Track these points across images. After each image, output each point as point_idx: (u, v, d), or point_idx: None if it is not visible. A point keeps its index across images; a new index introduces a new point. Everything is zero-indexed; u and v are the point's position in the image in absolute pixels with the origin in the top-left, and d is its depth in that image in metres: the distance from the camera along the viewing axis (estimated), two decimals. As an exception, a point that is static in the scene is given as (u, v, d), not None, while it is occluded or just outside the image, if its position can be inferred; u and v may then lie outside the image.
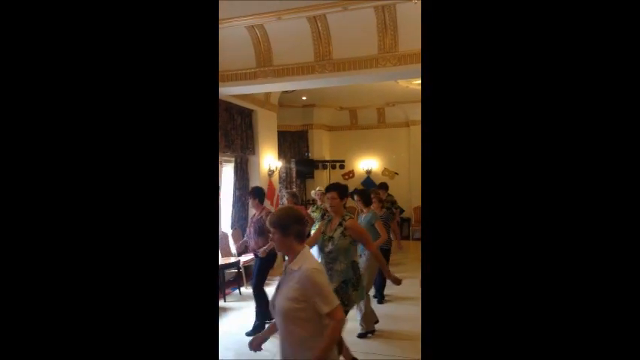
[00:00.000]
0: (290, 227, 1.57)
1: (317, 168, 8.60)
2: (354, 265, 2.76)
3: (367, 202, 3.91)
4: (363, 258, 3.52)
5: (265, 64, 4.56)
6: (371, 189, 5.42)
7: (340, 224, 2.71)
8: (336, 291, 2.45)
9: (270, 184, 6.31)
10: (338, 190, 2.80)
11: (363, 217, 3.88)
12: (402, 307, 4.39)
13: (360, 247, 3.34)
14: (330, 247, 2.68)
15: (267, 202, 6.07)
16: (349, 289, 2.65)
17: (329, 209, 2.83)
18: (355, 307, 3.27)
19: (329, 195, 2.78)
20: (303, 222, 1.64)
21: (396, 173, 8.86)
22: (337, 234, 2.69)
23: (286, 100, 7.47)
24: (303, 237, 1.64)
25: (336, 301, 1.52)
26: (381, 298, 4.51)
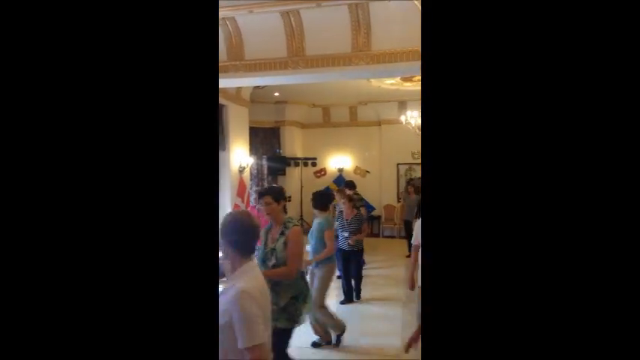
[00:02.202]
0: (231, 237, 1.36)
1: (289, 165, 8.55)
2: (303, 275, 2.50)
3: (321, 207, 3.44)
4: (320, 267, 3.30)
5: (236, 58, 4.46)
6: (339, 188, 5.44)
7: (282, 233, 2.34)
8: (285, 308, 2.25)
9: (241, 180, 6.21)
10: (272, 193, 2.41)
11: (316, 224, 3.43)
12: (381, 308, 4.46)
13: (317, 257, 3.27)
14: (273, 260, 2.30)
15: (238, 199, 5.99)
16: (299, 304, 2.33)
17: (265, 216, 2.44)
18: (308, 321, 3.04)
19: (263, 200, 2.39)
20: (246, 232, 1.39)
21: (367, 172, 8.96)
22: (279, 245, 2.31)
23: (258, 96, 7.37)
24: (246, 250, 1.40)
25: (257, 340, 1.24)
26: (358, 295, 4.57)
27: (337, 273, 4.27)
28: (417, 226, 2.97)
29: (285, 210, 2.48)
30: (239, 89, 6.24)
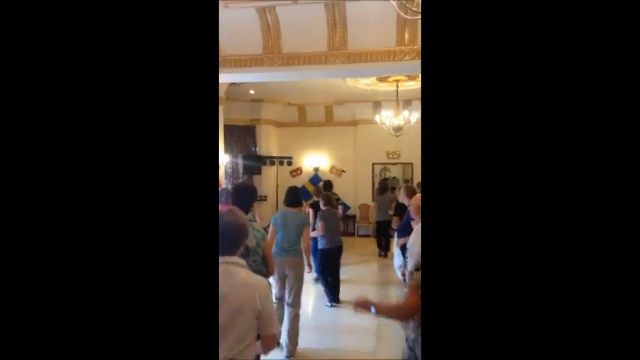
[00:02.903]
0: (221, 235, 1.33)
1: (265, 164, 8.48)
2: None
3: (293, 204, 3.34)
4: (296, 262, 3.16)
5: (211, 54, 4.38)
6: (315, 187, 5.43)
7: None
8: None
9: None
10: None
11: (296, 218, 3.30)
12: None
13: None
14: (253, 257, 2.28)
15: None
16: None
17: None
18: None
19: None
20: (235, 230, 1.43)
21: (343, 171, 9.02)
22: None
23: (234, 94, 7.26)
24: (234, 246, 1.44)
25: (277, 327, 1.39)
26: (337, 299, 4.30)
27: (314, 275, 4.23)
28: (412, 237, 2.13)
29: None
30: (214, 86, 6.12)
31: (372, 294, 4.70)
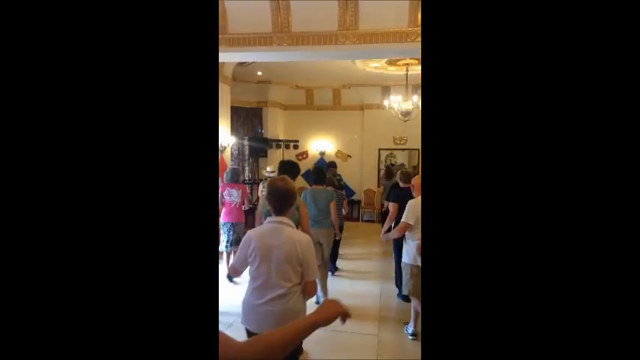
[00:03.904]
0: (271, 200, 1.86)
1: (271, 147, 8.44)
2: None
3: (320, 181, 3.94)
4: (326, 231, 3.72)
5: (219, 32, 4.30)
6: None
7: None
8: None
9: (222, 160, 6.08)
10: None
11: (325, 194, 3.92)
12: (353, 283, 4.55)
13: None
14: None
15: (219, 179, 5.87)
16: None
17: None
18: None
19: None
20: (283, 195, 1.81)
21: (349, 156, 8.96)
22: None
23: (241, 75, 7.19)
24: (284, 208, 1.84)
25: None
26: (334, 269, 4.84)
27: None
28: (409, 205, 3.02)
29: None
30: (221, 65, 6.05)
31: (368, 267, 5.04)
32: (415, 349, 3.01)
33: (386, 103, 6.59)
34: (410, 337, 3.15)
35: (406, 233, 3.01)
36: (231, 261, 3.86)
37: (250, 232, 1.86)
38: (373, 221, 8.44)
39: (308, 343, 2.68)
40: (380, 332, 3.27)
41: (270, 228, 1.80)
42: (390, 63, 6.33)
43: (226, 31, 4.32)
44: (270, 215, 1.84)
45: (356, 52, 4.39)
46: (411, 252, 3.03)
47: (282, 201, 1.80)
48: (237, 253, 1.88)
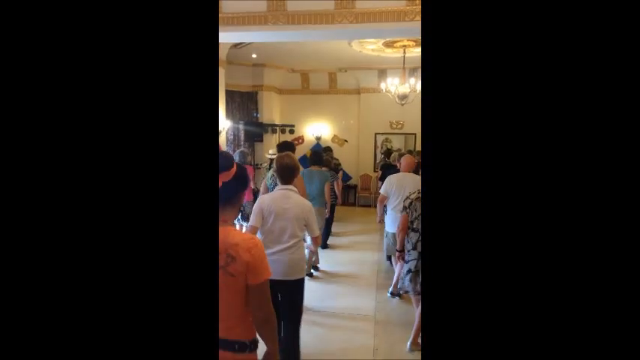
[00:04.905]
0: (278, 171, 2.41)
1: (266, 132, 8.36)
2: None
3: (319, 163, 4.31)
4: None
5: (213, 10, 4.19)
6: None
7: None
8: None
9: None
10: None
11: (321, 175, 4.28)
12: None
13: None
14: None
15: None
16: None
17: None
18: None
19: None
20: (288, 168, 2.36)
21: (345, 141, 8.92)
22: None
23: (235, 57, 7.05)
24: (288, 180, 2.38)
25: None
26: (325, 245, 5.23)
27: None
28: (387, 179, 3.71)
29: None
30: (215, 47, 5.93)
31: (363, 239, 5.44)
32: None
33: (382, 86, 6.52)
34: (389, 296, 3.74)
35: (387, 205, 3.64)
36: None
37: (264, 197, 2.31)
38: (369, 206, 8.45)
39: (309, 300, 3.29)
40: (375, 293, 3.52)
41: (281, 194, 2.28)
42: (387, 45, 6.24)
43: (221, 10, 4.21)
44: (277, 185, 2.37)
45: (353, 32, 4.31)
46: (389, 221, 3.61)
47: (288, 173, 2.31)
48: (252, 216, 2.27)
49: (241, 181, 1.26)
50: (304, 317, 2.56)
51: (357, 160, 8.76)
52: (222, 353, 1.10)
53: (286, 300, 2.24)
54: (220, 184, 1.19)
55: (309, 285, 2.84)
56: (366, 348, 2.84)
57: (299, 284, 2.27)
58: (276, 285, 2.07)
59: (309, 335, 2.91)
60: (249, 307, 1.16)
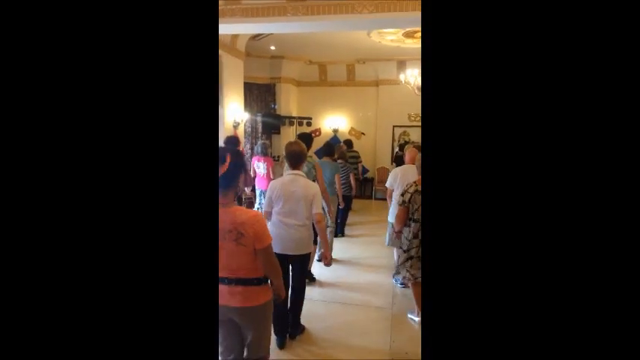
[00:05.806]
0: (286, 155, 2.65)
1: (284, 124, 8.38)
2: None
3: (330, 154, 4.53)
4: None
5: (232, 1, 4.20)
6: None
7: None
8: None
9: (235, 135, 6.08)
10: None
11: (332, 166, 4.47)
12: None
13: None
14: None
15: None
16: None
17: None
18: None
19: None
20: (296, 154, 2.60)
21: (362, 133, 8.85)
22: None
23: (254, 49, 7.08)
24: (296, 164, 2.63)
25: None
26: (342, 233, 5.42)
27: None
28: (391, 173, 3.89)
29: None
30: (234, 38, 5.96)
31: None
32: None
33: (402, 77, 6.43)
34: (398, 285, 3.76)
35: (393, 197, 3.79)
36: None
37: (275, 182, 2.56)
38: (386, 199, 8.39)
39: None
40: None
41: (290, 178, 2.52)
42: (407, 35, 6.14)
43: (240, 1, 4.22)
44: (287, 170, 2.61)
45: (373, 21, 4.25)
46: (392, 212, 3.71)
47: (296, 158, 2.55)
48: (265, 201, 2.55)
49: (237, 168, 1.60)
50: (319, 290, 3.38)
51: (374, 153, 8.69)
52: (246, 287, 1.60)
53: (296, 268, 2.60)
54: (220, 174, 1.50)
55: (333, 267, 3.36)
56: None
57: (305, 258, 2.63)
58: (287, 258, 2.48)
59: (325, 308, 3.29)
60: (258, 261, 1.63)
